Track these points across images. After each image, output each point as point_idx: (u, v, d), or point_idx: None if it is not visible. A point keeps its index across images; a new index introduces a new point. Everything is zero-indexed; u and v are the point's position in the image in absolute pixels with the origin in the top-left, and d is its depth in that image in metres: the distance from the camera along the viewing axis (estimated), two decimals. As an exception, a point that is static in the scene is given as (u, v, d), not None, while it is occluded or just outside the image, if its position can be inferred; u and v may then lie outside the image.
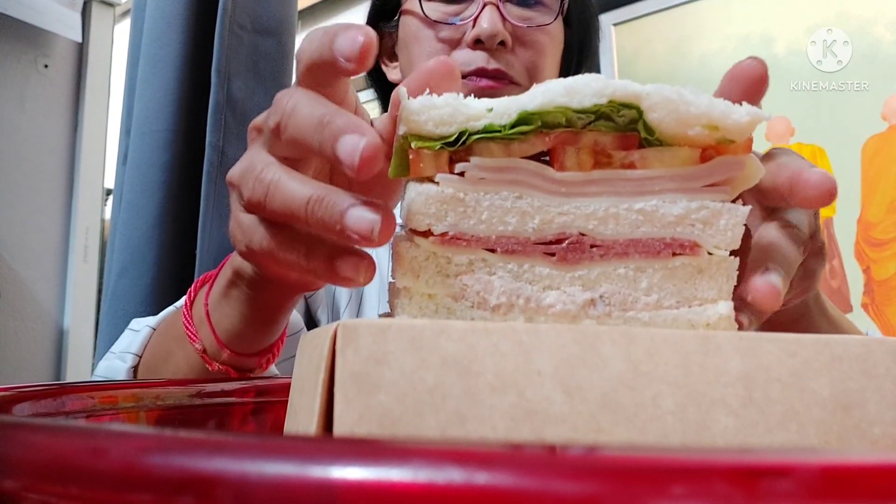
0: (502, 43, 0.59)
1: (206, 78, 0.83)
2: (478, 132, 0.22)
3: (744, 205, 0.23)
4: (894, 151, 1.01)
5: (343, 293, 0.68)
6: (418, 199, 0.22)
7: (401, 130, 0.22)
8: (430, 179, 0.22)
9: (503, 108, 0.22)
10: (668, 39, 1.25)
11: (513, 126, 0.21)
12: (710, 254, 0.23)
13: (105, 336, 0.81)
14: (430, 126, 0.21)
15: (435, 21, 0.61)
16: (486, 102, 0.22)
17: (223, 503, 0.09)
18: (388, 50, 0.71)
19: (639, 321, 0.22)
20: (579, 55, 0.70)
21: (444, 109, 0.21)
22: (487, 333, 0.18)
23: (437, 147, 0.21)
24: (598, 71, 0.91)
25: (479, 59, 0.59)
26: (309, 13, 1.72)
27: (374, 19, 0.71)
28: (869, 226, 1.02)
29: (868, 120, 1.03)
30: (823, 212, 1.07)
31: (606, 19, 1.28)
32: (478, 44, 0.59)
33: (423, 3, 0.61)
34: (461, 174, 0.22)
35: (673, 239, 0.23)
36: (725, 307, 0.23)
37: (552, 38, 0.63)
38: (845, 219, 1.04)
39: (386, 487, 0.09)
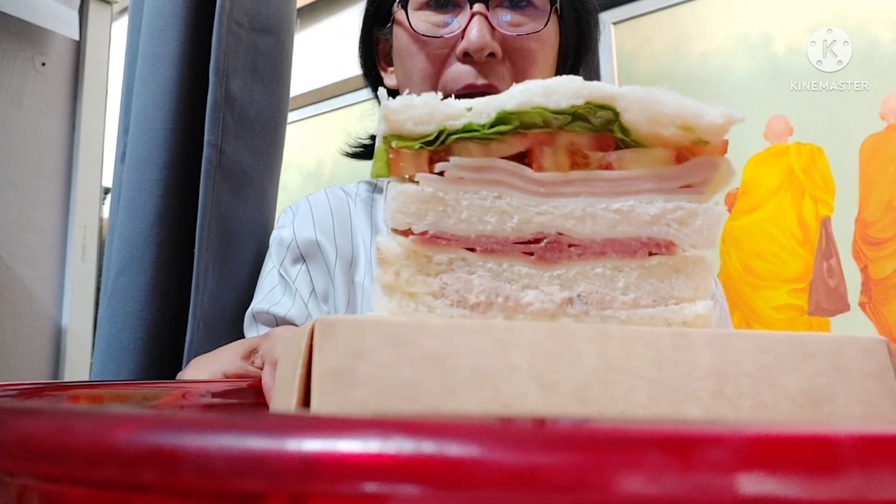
0: (492, 54, 0.58)
1: (205, 76, 0.83)
2: (457, 131, 0.22)
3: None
4: (892, 151, 1.01)
5: (340, 301, 0.68)
6: (398, 198, 0.22)
7: (381, 130, 0.22)
8: (412, 179, 0.22)
9: (482, 108, 0.22)
10: (667, 38, 1.25)
11: (491, 126, 0.22)
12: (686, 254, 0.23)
13: (103, 334, 0.81)
14: (409, 125, 0.22)
15: (423, 35, 0.59)
16: (465, 102, 0.22)
17: (184, 476, 0.09)
18: (384, 55, 0.70)
19: (616, 320, 0.23)
20: (576, 54, 0.69)
21: (423, 109, 0.22)
22: (465, 330, 0.18)
23: (417, 146, 0.22)
24: (597, 69, 0.89)
25: (468, 75, 0.58)
26: (308, 11, 1.73)
27: (369, 25, 0.70)
28: (867, 225, 1.03)
29: (866, 119, 1.03)
30: (821, 210, 1.07)
31: (606, 18, 1.28)
32: (467, 57, 0.58)
33: (411, 14, 0.60)
34: (441, 173, 0.22)
35: (649, 238, 0.23)
36: (703, 306, 0.24)
37: (544, 42, 0.61)
38: (843, 218, 1.04)
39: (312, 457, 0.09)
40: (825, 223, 1.05)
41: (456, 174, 0.22)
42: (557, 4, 0.61)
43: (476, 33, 0.57)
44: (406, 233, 0.22)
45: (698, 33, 1.22)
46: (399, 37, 0.63)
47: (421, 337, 0.18)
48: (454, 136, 0.22)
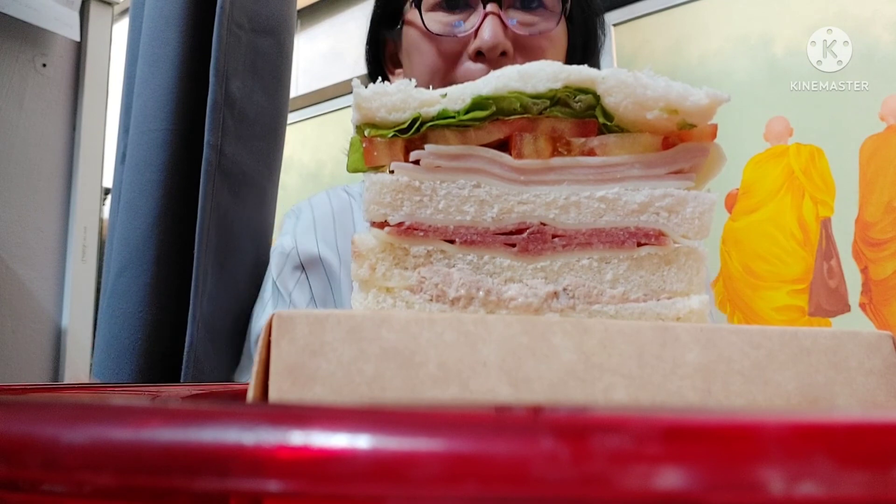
0: (504, 53, 0.58)
1: (205, 77, 0.83)
2: (432, 119, 0.21)
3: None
4: (892, 152, 1.01)
5: (347, 306, 0.67)
6: (372, 189, 0.21)
7: (354, 119, 0.22)
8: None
9: (457, 94, 0.21)
10: (667, 39, 1.24)
11: (467, 111, 0.21)
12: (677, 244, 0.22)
13: (103, 335, 0.81)
14: (382, 113, 0.21)
15: (438, 34, 0.60)
16: (440, 90, 0.21)
17: (31, 468, 0.08)
18: (392, 56, 0.70)
19: (605, 315, 0.22)
20: (583, 54, 0.69)
21: (397, 96, 0.21)
22: (431, 323, 0.17)
23: (390, 135, 0.21)
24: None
25: (480, 73, 0.58)
26: (308, 12, 1.73)
27: (376, 25, 0.70)
28: (867, 226, 1.02)
29: (866, 120, 1.02)
30: (821, 211, 1.06)
31: (606, 19, 1.27)
32: (479, 56, 0.59)
33: (424, 15, 0.61)
34: (416, 162, 0.21)
35: (637, 228, 0.22)
36: (697, 301, 0.22)
37: (554, 42, 0.62)
38: (843, 219, 1.03)
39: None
40: (825, 224, 1.04)
41: (432, 162, 0.21)
42: (568, 5, 0.62)
43: (489, 32, 0.57)
44: (381, 225, 0.22)
45: (698, 35, 1.21)
46: (410, 36, 0.64)
47: (383, 331, 0.17)
48: (429, 124, 0.21)
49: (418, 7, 0.61)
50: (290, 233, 0.72)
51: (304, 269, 0.69)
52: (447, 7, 0.61)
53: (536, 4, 0.61)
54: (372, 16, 0.71)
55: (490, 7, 0.58)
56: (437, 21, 0.61)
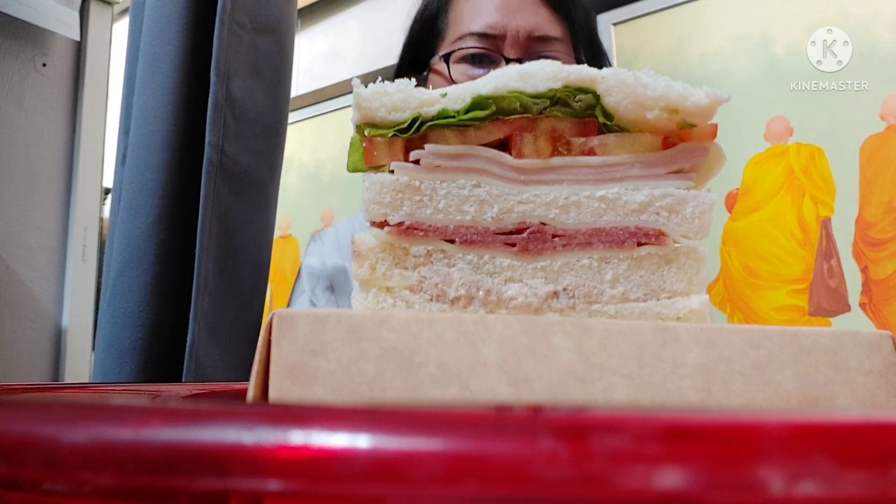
0: None
1: (206, 77, 0.83)
2: (432, 118, 0.21)
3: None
4: (892, 151, 1.01)
5: None
6: (372, 189, 0.21)
7: (354, 119, 0.22)
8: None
9: (457, 94, 0.21)
10: (667, 39, 1.24)
11: (467, 111, 0.21)
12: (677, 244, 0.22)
13: (103, 335, 0.81)
14: (382, 113, 0.21)
15: None
16: (440, 89, 0.21)
17: (31, 468, 0.08)
18: None
19: (605, 315, 0.22)
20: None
21: (397, 96, 0.21)
22: (431, 323, 0.17)
23: (390, 134, 0.21)
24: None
25: None
26: (308, 12, 1.73)
27: (404, 69, 0.75)
28: (867, 225, 1.02)
29: (866, 120, 1.02)
30: (821, 211, 1.06)
31: (606, 19, 1.28)
32: None
33: (451, 66, 0.66)
34: (416, 162, 0.21)
35: (637, 227, 0.22)
36: (697, 301, 0.22)
37: None
38: (843, 218, 1.03)
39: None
40: (825, 224, 1.04)
41: (432, 162, 0.21)
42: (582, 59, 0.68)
43: None
44: (382, 224, 0.22)
45: (698, 34, 1.21)
46: (436, 84, 0.70)
47: (383, 331, 0.17)
48: (429, 123, 0.21)
49: (446, 61, 0.67)
50: (316, 254, 0.77)
51: (332, 290, 0.73)
52: (472, 61, 0.67)
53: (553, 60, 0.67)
54: (400, 60, 0.77)
55: (513, 64, 0.63)
56: (462, 73, 0.67)
